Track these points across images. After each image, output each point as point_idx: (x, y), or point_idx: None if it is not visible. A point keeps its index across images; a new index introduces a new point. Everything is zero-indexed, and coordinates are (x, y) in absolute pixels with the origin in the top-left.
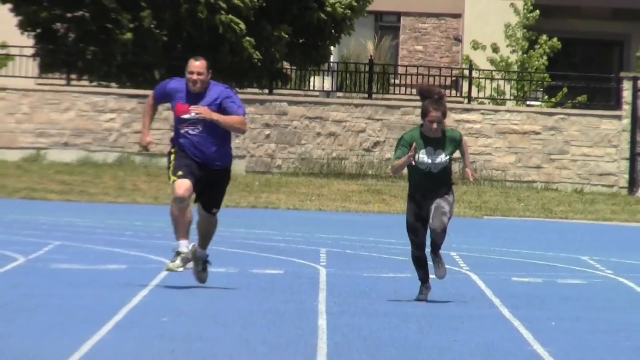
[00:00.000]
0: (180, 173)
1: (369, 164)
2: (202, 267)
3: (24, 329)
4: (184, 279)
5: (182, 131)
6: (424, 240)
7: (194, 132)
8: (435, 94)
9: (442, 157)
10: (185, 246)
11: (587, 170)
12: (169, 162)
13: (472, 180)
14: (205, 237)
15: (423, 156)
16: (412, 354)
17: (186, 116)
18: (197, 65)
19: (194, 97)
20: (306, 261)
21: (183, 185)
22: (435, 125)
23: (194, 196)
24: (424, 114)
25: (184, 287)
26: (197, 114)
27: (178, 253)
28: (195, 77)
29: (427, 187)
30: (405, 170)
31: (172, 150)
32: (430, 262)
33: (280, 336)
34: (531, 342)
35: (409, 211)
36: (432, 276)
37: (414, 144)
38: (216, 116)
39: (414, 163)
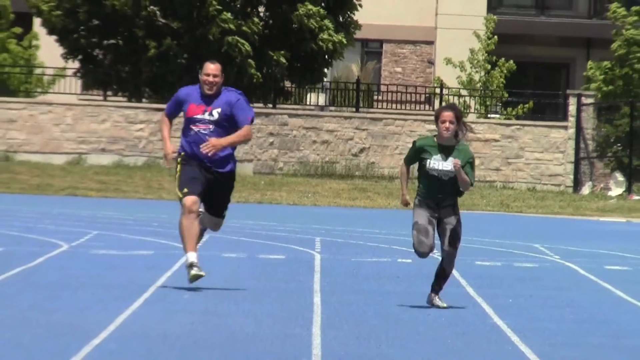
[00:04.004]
0: (185, 190)
1: (356, 167)
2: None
3: (67, 305)
4: (200, 265)
5: (194, 131)
6: (432, 244)
7: (206, 132)
8: (447, 104)
9: (451, 165)
10: (194, 257)
11: (538, 172)
12: (175, 171)
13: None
14: (208, 228)
15: (434, 163)
16: (392, 326)
17: (198, 116)
18: (212, 67)
19: (207, 99)
20: (304, 248)
21: (190, 200)
22: (447, 125)
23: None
24: (437, 117)
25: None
26: (208, 152)
27: (191, 265)
28: (211, 79)
29: (437, 195)
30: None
31: (178, 160)
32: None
33: (282, 310)
34: (492, 316)
35: (419, 215)
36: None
37: (409, 205)
38: (225, 142)
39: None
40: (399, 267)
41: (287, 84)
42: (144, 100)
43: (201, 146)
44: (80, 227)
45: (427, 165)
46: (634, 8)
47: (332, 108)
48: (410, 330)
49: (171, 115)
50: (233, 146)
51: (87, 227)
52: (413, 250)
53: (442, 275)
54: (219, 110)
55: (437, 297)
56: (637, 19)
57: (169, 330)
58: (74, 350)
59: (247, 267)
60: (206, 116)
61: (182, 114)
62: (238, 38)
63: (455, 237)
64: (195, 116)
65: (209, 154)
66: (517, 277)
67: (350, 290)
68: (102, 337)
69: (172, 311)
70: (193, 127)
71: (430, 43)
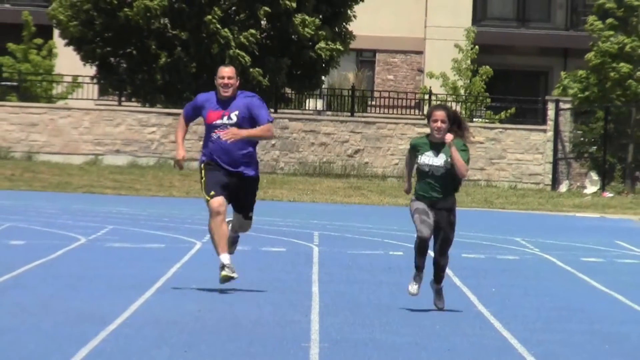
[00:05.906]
0: (212, 193)
1: (352, 167)
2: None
3: (85, 294)
4: (207, 258)
5: (215, 137)
6: (432, 224)
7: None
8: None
9: (442, 160)
10: (227, 259)
11: (519, 172)
12: (201, 177)
13: (447, 140)
14: (238, 231)
15: (425, 158)
16: (384, 313)
17: (217, 122)
18: (226, 70)
19: (224, 103)
20: (303, 241)
21: (217, 202)
22: (439, 124)
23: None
24: (429, 116)
25: (209, 262)
26: (228, 139)
27: (223, 266)
28: (226, 80)
29: (431, 192)
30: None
31: (202, 166)
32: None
33: (283, 299)
34: (476, 304)
35: (417, 204)
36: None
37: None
38: (245, 133)
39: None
40: (390, 259)
41: (288, 90)
42: (156, 105)
43: (221, 134)
44: (97, 222)
45: (419, 160)
46: (608, 21)
47: (329, 113)
48: (401, 317)
49: (188, 118)
50: (253, 140)
51: (103, 222)
52: (415, 239)
53: (436, 265)
54: (237, 113)
55: (438, 286)
56: (613, 33)
57: (178, 317)
58: (92, 335)
59: (251, 259)
60: (225, 120)
61: (200, 119)
62: (238, 51)
63: (446, 246)
64: (214, 122)
65: (228, 141)
66: (500, 268)
67: (345, 281)
68: (117, 323)
69: (181, 299)
70: (214, 134)
71: (420, 53)
